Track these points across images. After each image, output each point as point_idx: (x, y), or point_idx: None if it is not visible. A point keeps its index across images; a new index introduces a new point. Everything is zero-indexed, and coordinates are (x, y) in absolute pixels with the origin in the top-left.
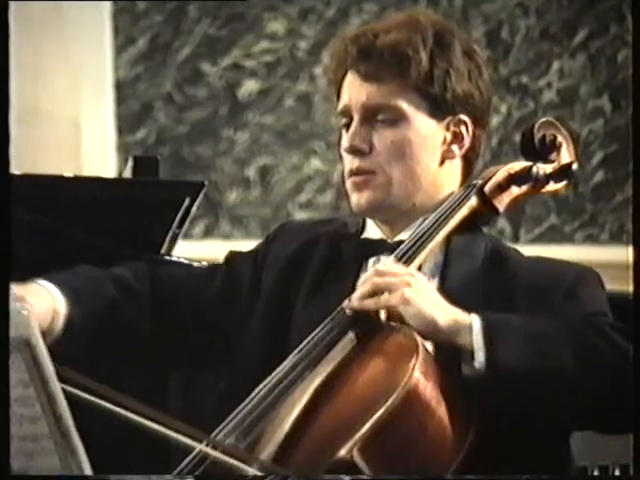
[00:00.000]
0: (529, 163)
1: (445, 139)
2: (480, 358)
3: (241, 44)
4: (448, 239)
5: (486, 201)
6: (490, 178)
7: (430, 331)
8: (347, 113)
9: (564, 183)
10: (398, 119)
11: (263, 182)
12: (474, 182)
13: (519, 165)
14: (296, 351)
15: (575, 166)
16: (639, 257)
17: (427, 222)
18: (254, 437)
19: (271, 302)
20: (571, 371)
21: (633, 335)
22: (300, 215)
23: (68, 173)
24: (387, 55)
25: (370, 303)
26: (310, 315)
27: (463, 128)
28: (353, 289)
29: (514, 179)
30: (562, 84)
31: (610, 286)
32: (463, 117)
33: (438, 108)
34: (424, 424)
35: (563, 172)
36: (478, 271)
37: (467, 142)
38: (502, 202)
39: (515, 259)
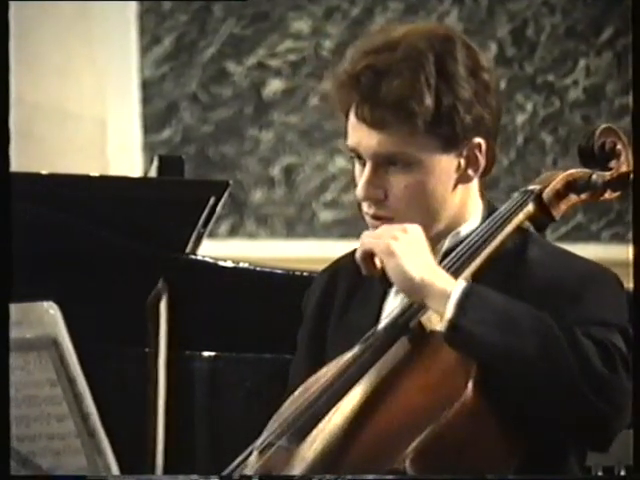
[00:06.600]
0: (588, 170)
1: (459, 165)
2: (452, 318)
3: (266, 43)
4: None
5: (543, 207)
6: (548, 184)
7: (406, 288)
8: (357, 153)
9: (620, 192)
10: (412, 163)
11: (288, 181)
12: (531, 188)
13: (578, 172)
14: (346, 355)
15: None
16: (639, 257)
17: (479, 230)
18: (304, 441)
19: (309, 341)
20: (529, 364)
21: (633, 335)
22: (325, 214)
23: (94, 172)
24: (391, 104)
25: (358, 253)
26: (340, 337)
27: (477, 151)
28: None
29: (572, 186)
30: (588, 82)
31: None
32: (476, 140)
33: (449, 143)
34: (477, 436)
35: (621, 181)
36: (500, 274)
37: (482, 162)
38: (559, 210)
39: (535, 260)
